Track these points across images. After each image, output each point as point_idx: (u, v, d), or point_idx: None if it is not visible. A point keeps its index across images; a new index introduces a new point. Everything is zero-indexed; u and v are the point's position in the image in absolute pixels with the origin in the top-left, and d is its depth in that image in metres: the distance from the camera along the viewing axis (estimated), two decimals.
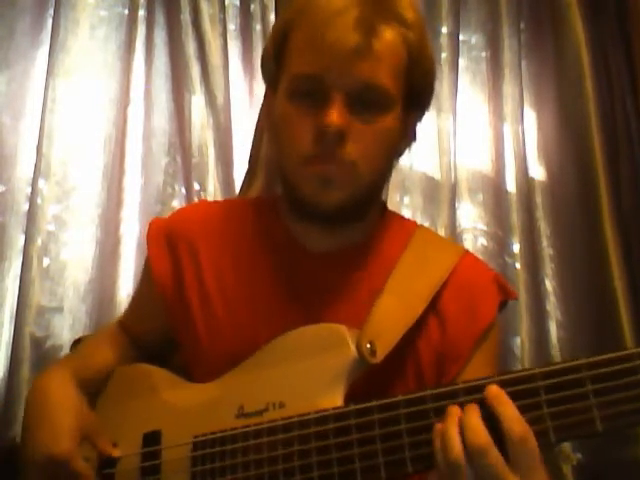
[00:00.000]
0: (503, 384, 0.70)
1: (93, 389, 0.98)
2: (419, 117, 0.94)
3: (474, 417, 0.68)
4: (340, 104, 0.82)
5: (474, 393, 0.71)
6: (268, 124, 0.96)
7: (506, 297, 0.92)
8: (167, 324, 0.98)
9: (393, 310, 0.85)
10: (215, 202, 1.20)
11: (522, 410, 0.68)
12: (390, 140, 0.87)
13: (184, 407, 0.90)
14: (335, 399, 0.79)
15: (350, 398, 0.79)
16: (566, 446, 1.64)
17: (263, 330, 0.88)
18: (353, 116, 0.83)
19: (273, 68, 0.90)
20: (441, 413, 0.71)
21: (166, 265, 0.97)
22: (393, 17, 0.84)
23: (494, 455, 0.66)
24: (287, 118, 0.87)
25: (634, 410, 0.65)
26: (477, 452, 0.66)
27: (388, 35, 0.83)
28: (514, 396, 0.69)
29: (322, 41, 0.81)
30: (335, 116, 0.81)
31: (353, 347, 0.81)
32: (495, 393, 0.69)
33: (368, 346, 0.80)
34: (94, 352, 1.04)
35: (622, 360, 0.66)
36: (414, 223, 1.02)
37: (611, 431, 0.66)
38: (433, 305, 0.88)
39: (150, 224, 1.03)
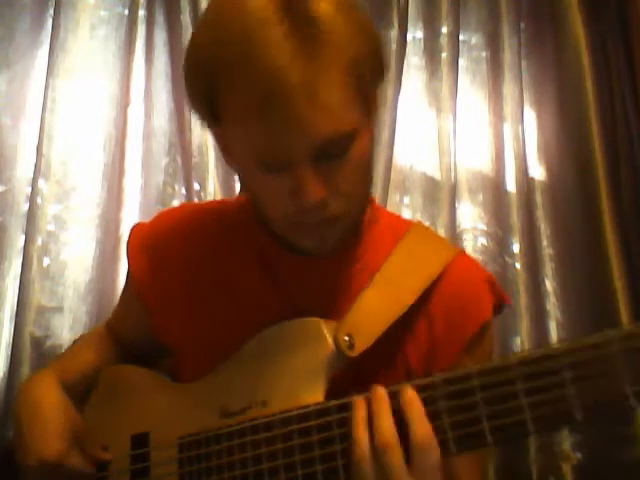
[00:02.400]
0: (480, 374, 0.69)
1: (78, 393, 0.97)
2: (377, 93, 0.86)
3: (383, 416, 0.70)
4: (310, 172, 0.75)
5: (452, 384, 0.70)
6: (227, 160, 0.89)
7: (500, 301, 0.90)
8: (151, 328, 0.98)
9: (377, 304, 0.84)
10: (197, 205, 1.19)
11: (499, 401, 0.67)
12: (366, 159, 0.82)
13: (170, 408, 0.90)
14: (316, 394, 0.79)
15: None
16: (566, 446, 1.64)
17: (250, 330, 0.87)
18: (325, 168, 0.76)
19: (206, 115, 0.82)
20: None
21: (146, 270, 0.96)
22: (329, 46, 0.73)
23: (396, 455, 0.68)
24: (258, 182, 0.81)
25: (612, 398, 0.64)
26: (381, 450, 0.69)
27: (332, 77, 0.73)
28: (491, 386, 0.68)
29: (270, 118, 0.73)
30: (311, 192, 0.75)
31: (330, 340, 0.80)
32: (408, 398, 0.71)
33: (346, 339, 0.80)
34: (78, 356, 1.04)
35: (598, 347, 0.65)
36: (409, 221, 1.00)
37: (589, 420, 0.65)
38: (422, 305, 0.86)
39: (131, 230, 1.02)
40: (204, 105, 0.80)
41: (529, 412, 0.66)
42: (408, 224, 0.97)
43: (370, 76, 0.78)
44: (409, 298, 0.84)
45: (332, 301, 0.87)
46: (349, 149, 0.77)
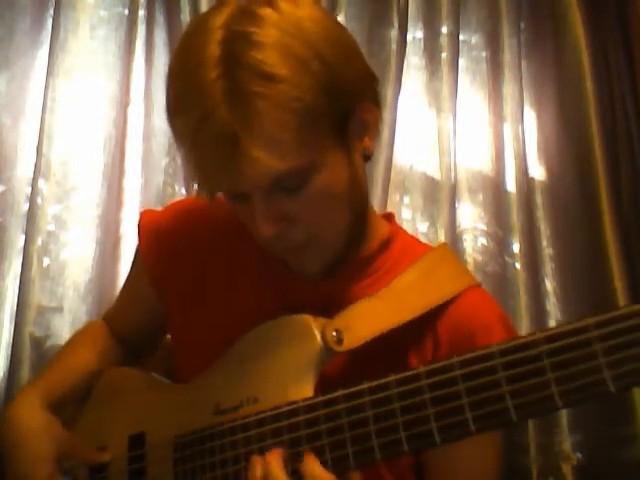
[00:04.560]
0: (463, 364, 0.70)
1: (75, 398, 0.98)
2: (373, 111, 0.83)
3: (276, 466, 0.72)
4: (262, 206, 0.76)
5: (436, 375, 0.71)
6: None
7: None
8: (155, 317, 0.99)
9: (375, 310, 0.83)
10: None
11: (481, 389, 0.68)
12: (336, 188, 0.79)
13: (165, 407, 0.91)
14: (305, 390, 0.79)
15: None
16: (566, 446, 1.64)
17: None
18: (281, 199, 0.76)
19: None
20: (405, 397, 0.72)
21: (156, 254, 0.97)
22: (256, 93, 0.70)
23: None
24: (230, 205, 0.84)
25: (591, 383, 0.64)
26: None
27: (263, 121, 0.71)
28: (473, 375, 0.69)
29: (204, 160, 0.75)
30: (263, 228, 0.76)
31: (318, 335, 0.80)
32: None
33: (334, 334, 0.79)
34: (72, 360, 1.03)
35: (578, 332, 0.66)
36: (430, 245, 0.98)
37: (570, 406, 0.66)
38: (430, 324, 0.84)
39: (142, 214, 1.02)
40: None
41: (511, 400, 0.67)
42: (429, 249, 0.95)
43: (325, 107, 0.74)
44: (410, 313, 0.82)
45: (332, 311, 0.85)
46: (308, 182, 0.75)
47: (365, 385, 0.74)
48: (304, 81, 0.72)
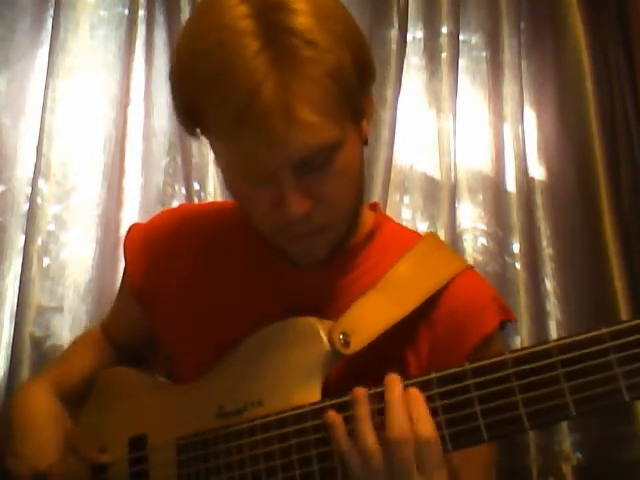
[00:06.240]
0: (475, 373, 0.70)
1: (75, 397, 0.97)
2: (369, 95, 0.83)
3: (395, 411, 0.70)
4: (292, 184, 0.74)
5: (447, 384, 0.71)
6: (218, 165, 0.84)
7: (506, 317, 0.87)
8: (146, 329, 0.98)
9: (376, 307, 0.82)
10: (196, 206, 1.17)
11: (494, 398, 0.68)
12: (352, 168, 0.80)
13: (166, 409, 0.90)
14: (312, 394, 0.79)
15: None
16: (566, 446, 1.64)
17: (246, 333, 0.86)
18: (308, 179, 0.75)
19: (188, 126, 0.81)
20: None
21: (143, 270, 0.96)
22: (307, 59, 0.70)
23: (410, 450, 0.68)
24: (242, 193, 0.81)
25: (607, 392, 0.64)
26: (394, 445, 0.68)
27: (309, 91, 0.70)
28: (486, 383, 0.69)
29: (245, 134, 0.71)
30: (293, 206, 0.74)
31: (325, 339, 0.80)
32: (414, 395, 0.71)
33: (341, 337, 0.79)
34: (75, 360, 1.03)
35: (593, 342, 0.66)
36: (419, 233, 0.98)
37: (585, 415, 0.66)
38: (425, 313, 0.84)
39: (129, 229, 1.01)
40: (186, 116, 0.79)
41: (524, 408, 0.67)
42: (418, 236, 0.95)
43: (355, 84, 0.75)
44: (411, 304, 0.83)
45: (329, 306, 0.85)
46: (333, 160, 0.75)
47: (372, 391, 0.73)
48: (341, 52, 0.72)
